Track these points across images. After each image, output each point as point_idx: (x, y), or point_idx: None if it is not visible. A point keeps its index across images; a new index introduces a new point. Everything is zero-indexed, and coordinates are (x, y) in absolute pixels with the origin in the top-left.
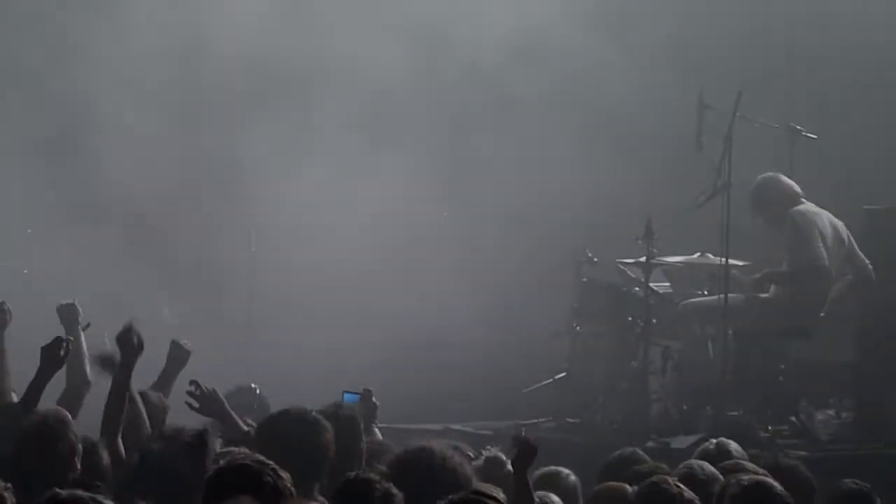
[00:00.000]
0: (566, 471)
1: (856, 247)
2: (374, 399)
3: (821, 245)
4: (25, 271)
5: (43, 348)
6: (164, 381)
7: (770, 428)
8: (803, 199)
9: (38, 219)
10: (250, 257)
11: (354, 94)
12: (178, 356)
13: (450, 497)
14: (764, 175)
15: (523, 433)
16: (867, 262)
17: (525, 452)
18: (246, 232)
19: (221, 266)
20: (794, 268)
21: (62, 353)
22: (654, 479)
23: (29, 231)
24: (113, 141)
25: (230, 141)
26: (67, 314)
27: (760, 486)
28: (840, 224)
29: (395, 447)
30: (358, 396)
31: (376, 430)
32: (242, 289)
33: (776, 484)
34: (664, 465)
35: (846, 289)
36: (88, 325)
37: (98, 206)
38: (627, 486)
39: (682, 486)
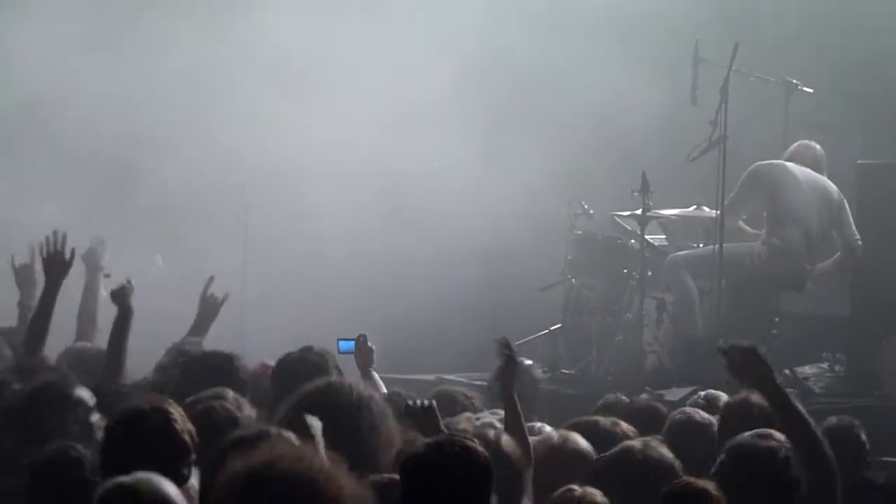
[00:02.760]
0: (539, 424)
1: (847, 217)
2: (369, 344)
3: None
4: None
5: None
6: (198, 330)
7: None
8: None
9: (28, 169)
10: (244, 209)
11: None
12: (208, 310)
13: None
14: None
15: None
16: (857, 236)
17: (510, 364)
18: (240, 184)
19: (216, 218)
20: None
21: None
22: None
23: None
24: (106, 91)
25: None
26: (90, 259)
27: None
28: (831, 190)
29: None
30: (353, 343)
31: (375, 376)
32: (237, 240)
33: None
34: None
35: (834, 267)
36: (109, 275)
37: (90, 157)
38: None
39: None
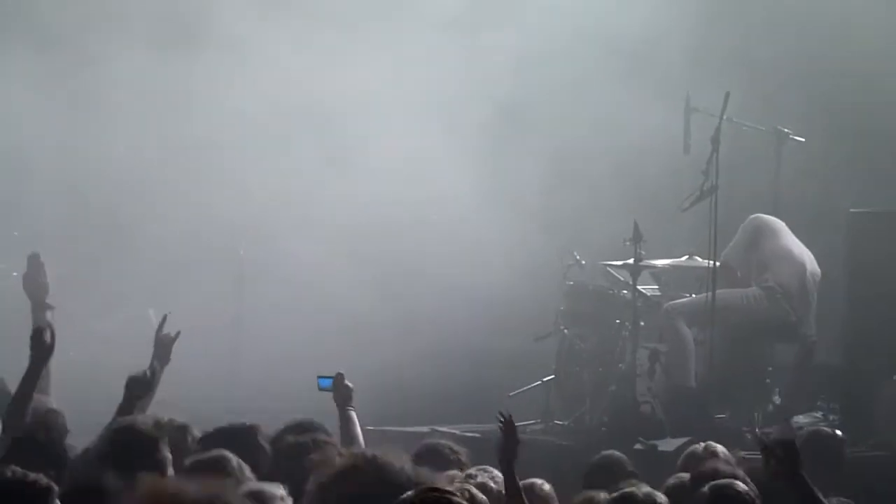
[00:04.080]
0: (540, 481)
1: (812, 309)
2: (346, 382)
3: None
4: (14, 274)
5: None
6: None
7: (758, 431)
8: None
9: (24, 221)
10: (239, 262)
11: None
12: (162, 351)
13: (405, 496)
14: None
15: (506, 416)
16: (814, 333)
17: (510, 438)
18: (234, 235)
19: (209, 268)
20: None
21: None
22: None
23: (15, 233)
24: (101, 134)
25: (218, 138)
26: (31, 289)
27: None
28: (815, 264)
29: None
30: (332, 380)
31: (353, 415)
32: (230, 291)
33: (741, 485)
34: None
35: (794, 374)
36: (53, 308)
37: (84, 208)
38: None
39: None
